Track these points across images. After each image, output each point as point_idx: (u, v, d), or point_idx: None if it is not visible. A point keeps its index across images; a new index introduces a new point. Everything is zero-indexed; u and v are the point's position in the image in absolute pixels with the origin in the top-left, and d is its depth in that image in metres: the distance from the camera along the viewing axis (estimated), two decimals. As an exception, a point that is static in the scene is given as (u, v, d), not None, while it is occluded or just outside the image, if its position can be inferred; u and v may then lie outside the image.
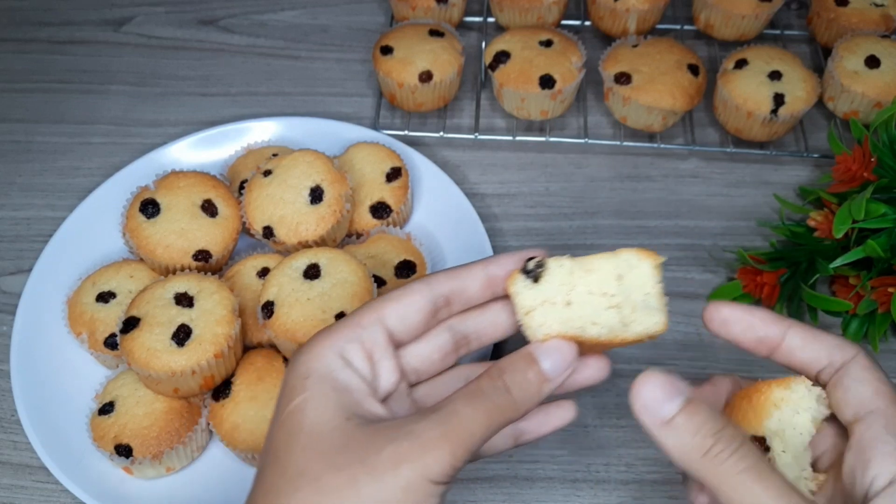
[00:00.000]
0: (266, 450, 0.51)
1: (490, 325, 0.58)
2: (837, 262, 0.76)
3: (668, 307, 0.52)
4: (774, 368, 0.54)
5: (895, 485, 0.46)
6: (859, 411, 0.49)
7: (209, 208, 0.79)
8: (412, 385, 0.57)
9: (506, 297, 0.54)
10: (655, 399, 0.47)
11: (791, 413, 0.52)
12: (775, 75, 0.91)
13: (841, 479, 0.49)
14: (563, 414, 0.57)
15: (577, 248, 0.89)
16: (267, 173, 0.80)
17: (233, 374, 0.73)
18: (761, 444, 0.51)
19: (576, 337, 0.52)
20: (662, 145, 0.95)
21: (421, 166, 0.90)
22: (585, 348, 0.53)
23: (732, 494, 0.45)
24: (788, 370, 0.54)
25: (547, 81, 0.91)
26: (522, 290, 0.53)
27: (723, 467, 0.45)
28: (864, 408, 0.49)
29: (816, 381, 0.52)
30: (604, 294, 0.52)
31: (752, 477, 0.44)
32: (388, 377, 0.54)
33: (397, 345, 0.55)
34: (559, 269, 0.53)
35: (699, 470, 0.46)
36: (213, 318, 0.71)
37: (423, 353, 0.56)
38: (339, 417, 0.49)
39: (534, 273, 0.53)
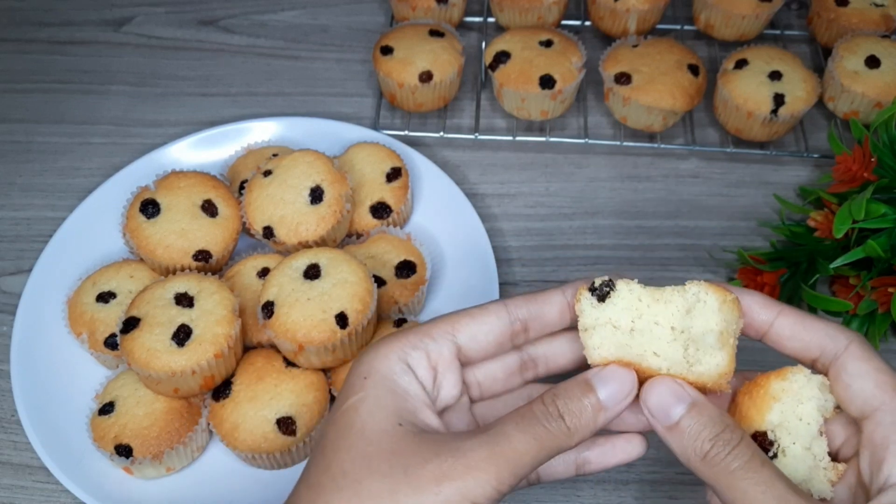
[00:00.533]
0: (317, 443, 0.51)
1: (560, 352, 0.57)
2: (837, 262, 0.76)
3: (735, 349, 0.50)
4: (777, 365, 0.54)
5: None
6: (865, 409, 0.49)
7: (209, 208, 0.79)
8: (474, 401, 0.56)
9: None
10: (663, 402, 0.49)
11: (794, 403, 0.51)
12: (775, 75, 0.91)
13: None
14: (630, 449, 0.56)
15: (576, 248, 0.89)
16: (267, 173, 0.80)
17: (233, 374, 0.73)
18: (765, 438, 0.51)
19: (634, 364, 0.51)
20: (662, 145, 0.95)
21: (421, 166, 0.90)
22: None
23: (725, 491, 0.47)
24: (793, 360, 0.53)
25: (547, 81, 0.91)
26: (587, 307, 0.52)
27: (717, 468, 0.47)
28: (868, 405, 0.49)
29: (814, 369, 0.52)
30: (672, 328, 0.51)
31: (741, 474, 0.46)
32: (449, 390, 0.53)
33: (465, 362, 0.54)
34: (629, 293, 0.52)
35: (698, 471, 0.48)
36: (213, 318, 0.71)
37: (488, 370, 0.56)
38: (391, 422, 0.49)
39: (599, 291, 0.52)
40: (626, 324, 0.51)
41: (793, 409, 0.51)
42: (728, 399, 0.55)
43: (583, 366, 0.54)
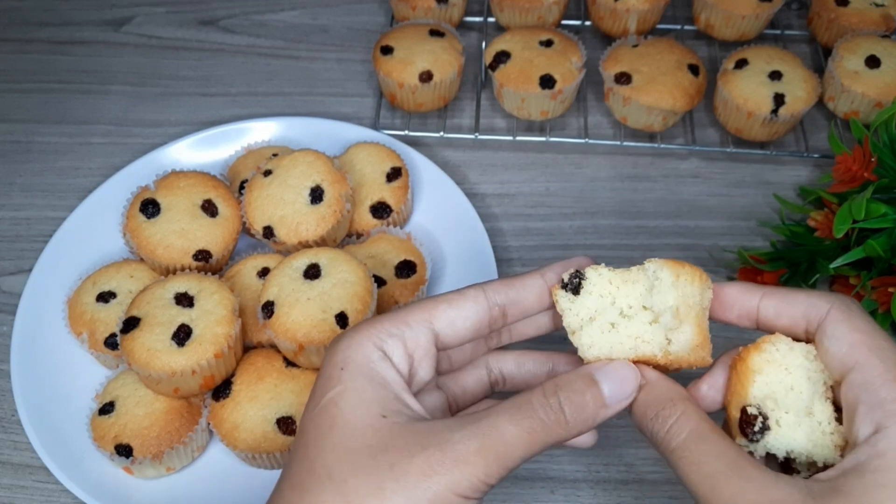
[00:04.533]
0: (297, 441, 0.50)
1: (527, 323, 0.57)
2: (838, 262, 0.76)
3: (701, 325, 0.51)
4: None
5: (871, 440, 0.45)
6: (842, 370, 0.49)
7: (209, 208, 0.79)
8: (441, 374, 0.56)
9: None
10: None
11: (782, 374, 0.51)
12: (775, 75, 0.91)
13: None
14: (586, 436, 0.55)
15: (576, 247, 0.89)
16: (267, 173, 0.80)
17: (233, 374, 0.73)
18: (749, 414, 0.51)
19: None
20: (662, 145, 0.95)
21: (421, 166, 0.90)
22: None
23: (674, 467, 0.48)
24: None
25: (547, 81, 0.91)
26: (566, 303, 0.53)
27: (662, 446, 0.48)
28: (844, 366, 0.48)
29: (808, 340, 0.52)
30: (644, 308, 0.51)
31: (678, 454, 0.47)
32: (423, 376, 0.53)
33: (441, 348, 0.53)
34: (598, 277, 0.52)
35: (655, 447, 0.49)
36: (213, 318, 0.71)
37: (460, 348, 0.56)
38: (374, 414, 0.47)
39: (571, 285, 0.53)
40: (607, 318, 0.52)
41: (780, 379, 0.51)
42: (723, 375, 0.54)
43: (548, 334, 0.56)
